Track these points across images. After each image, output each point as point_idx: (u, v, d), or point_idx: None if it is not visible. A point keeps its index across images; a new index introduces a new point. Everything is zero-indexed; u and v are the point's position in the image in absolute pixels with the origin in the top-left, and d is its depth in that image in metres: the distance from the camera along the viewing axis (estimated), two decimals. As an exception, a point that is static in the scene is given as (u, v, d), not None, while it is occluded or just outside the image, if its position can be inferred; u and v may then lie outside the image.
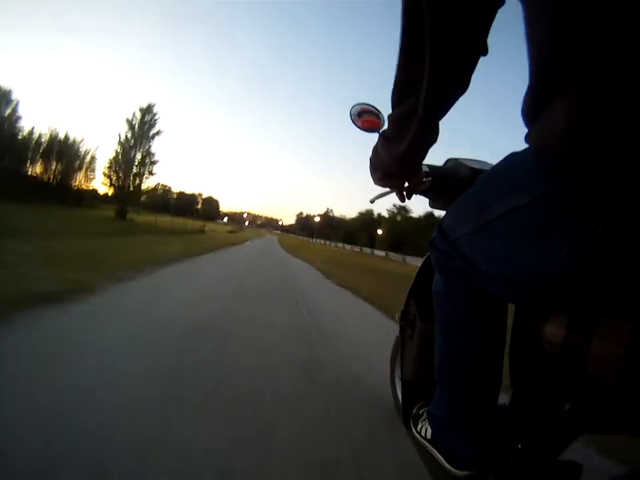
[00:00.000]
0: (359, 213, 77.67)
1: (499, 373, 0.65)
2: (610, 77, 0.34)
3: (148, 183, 28.11)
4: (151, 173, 27.98)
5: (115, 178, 26.38)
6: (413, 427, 0.86)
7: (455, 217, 0.63)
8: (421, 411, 0.87)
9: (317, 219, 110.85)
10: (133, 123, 27.44)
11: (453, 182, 0.81)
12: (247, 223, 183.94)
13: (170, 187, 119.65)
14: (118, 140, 26.88)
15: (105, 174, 26.80)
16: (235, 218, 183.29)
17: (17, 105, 25.00)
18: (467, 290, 0.62)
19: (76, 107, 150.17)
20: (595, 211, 0.38)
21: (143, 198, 29.72)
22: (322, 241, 63.68)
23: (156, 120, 28.50)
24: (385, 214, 62.54)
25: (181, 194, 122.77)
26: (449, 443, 0.68)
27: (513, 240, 0.48)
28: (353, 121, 0.77)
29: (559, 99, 0.39)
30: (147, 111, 28.14)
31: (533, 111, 0.44)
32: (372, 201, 0.91)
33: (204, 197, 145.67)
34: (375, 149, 0.63)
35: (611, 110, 0.34)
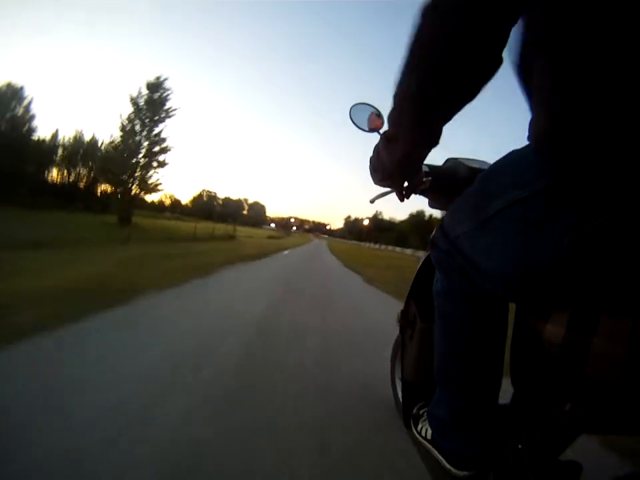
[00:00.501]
0: (410, 215, 77.85)
1: (499, 373, 0.65)
2: (600, 73, 0.34)
3: (157, 176, 22.01)
4: (160, 164, 21.95)
5: (113, 172, 21.09)
6: (413, 427, 0.86)
7: (455, 215, 0.63)
8: (421, 411, 0.87)
9: (366, 222, 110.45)
10: (138, 101, 21.62)
11: (452, 182, 0.81)
12: (294, 228, 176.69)
13: (215, 193, 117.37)
14: (120, 125, 21.20)
15: (101, 168, 21.88)
16: (282, 223, 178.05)
17: (29, 102, 23.24)
18: (467, 289, 0.62)
19: (100, 107, 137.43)
20: (594, 204, 0.38)
21: (152, 195, 24.73)
22: (371, 244, 62.42)
23: (167, 97, 22.31)
24: (438, 215, 62.55)
25: (227, 200, 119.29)
26: (449, 443, 0.68)
27: (513, 233, 0.48)
28: (353, 121, 0.77)
29: (554, 95, 0.39)
30: (156, 87, 21.95)
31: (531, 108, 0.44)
32: (372, 201, 0.91)
33: (250, 202, 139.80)
34: (376, 150, 0.63)
35: (604, 105, 0.35)
